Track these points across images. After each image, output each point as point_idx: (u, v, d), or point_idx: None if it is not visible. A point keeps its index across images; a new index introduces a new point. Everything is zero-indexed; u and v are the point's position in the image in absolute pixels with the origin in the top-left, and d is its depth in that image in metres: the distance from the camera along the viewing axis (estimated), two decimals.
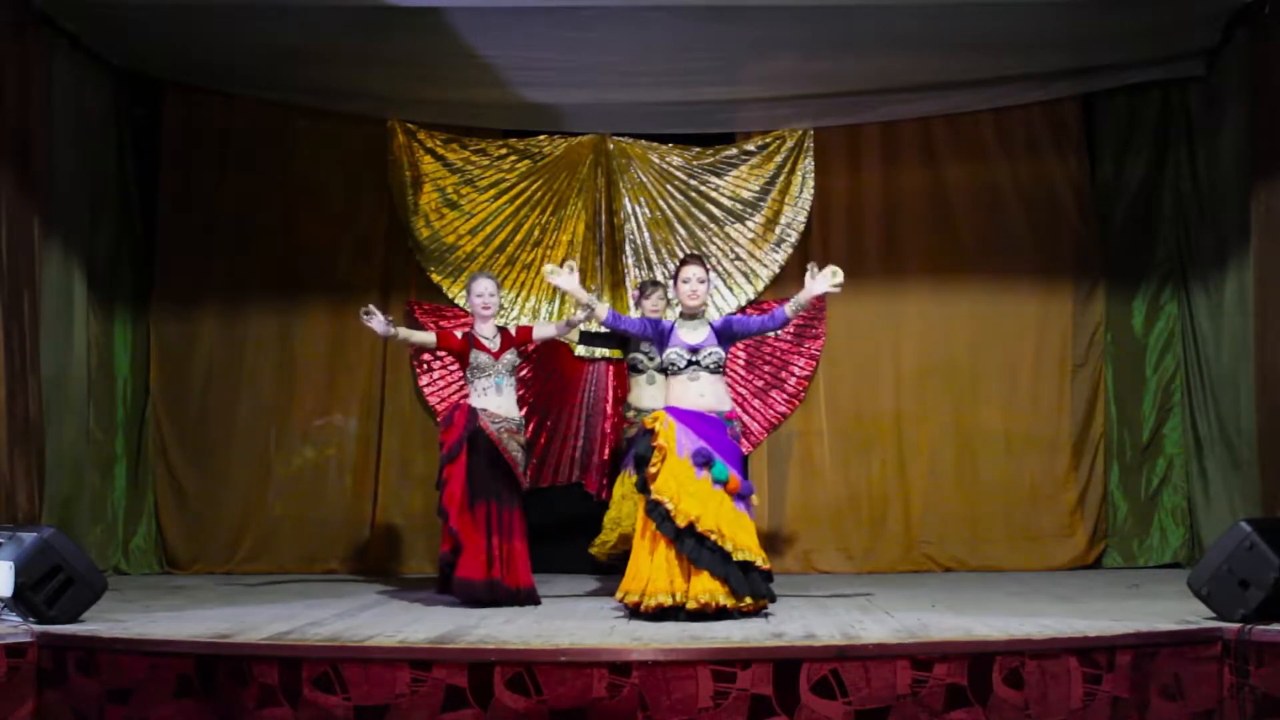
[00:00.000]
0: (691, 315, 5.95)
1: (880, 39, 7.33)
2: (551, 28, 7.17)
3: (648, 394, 7.27)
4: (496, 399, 6.47)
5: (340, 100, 8.36)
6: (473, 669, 4.61)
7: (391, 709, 4.62)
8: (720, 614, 5.49)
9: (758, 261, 8.44)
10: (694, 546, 5.54)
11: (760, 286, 8.40)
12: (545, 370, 8.35)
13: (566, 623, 5.54)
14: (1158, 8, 7.15)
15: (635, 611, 5.63)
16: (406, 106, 8.43)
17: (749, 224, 8.50)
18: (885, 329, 8.46)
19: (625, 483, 7.27)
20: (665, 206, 8.51)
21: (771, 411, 8.37)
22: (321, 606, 6.14)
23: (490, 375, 6.49)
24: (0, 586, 5.24)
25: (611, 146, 8.54)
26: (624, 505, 7.23)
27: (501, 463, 6.40)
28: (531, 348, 7.67)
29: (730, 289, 8.42)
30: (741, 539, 5.61)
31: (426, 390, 8.35)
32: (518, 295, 8.43)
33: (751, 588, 5.58)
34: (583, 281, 8.09)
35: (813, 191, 8.48)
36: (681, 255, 7.92)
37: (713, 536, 5.54)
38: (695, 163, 8.56)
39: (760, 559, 5.62)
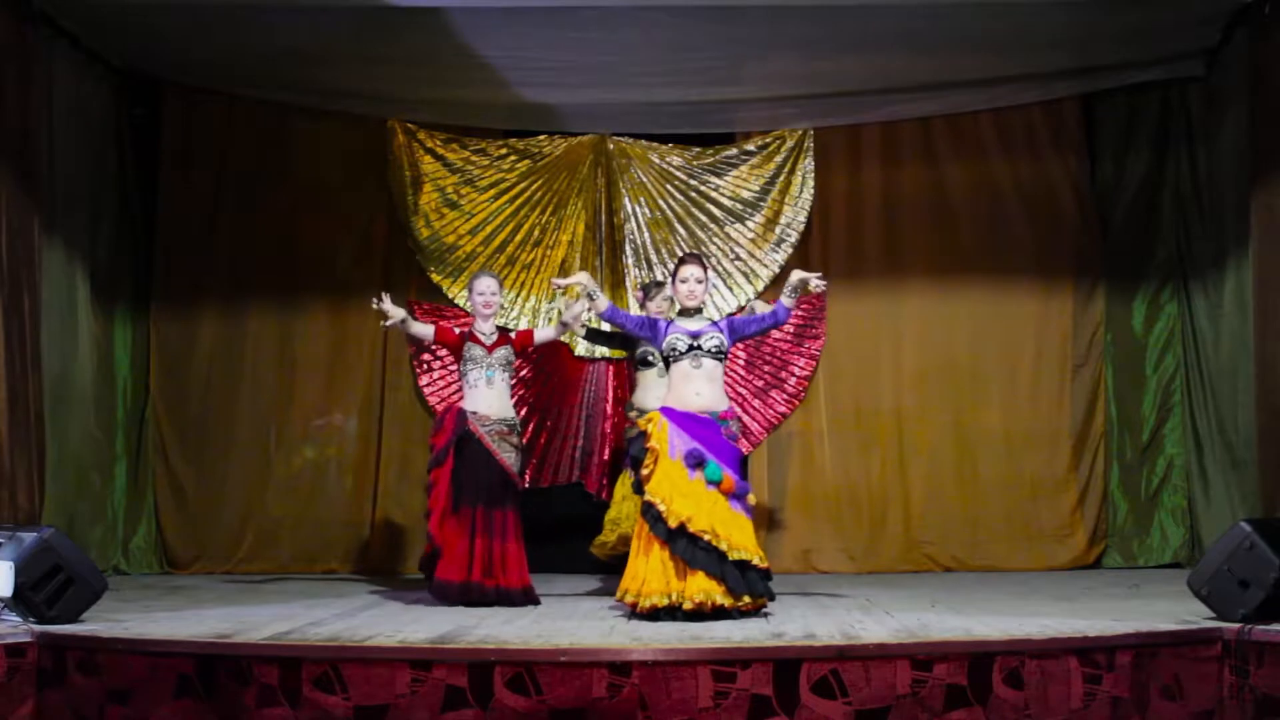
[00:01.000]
0: (689, 314, 5.95)
1: (880, 39, 7.33)
2: (551, 28, 7.17)
3: (654, 390, 7.24)
4: (488, 393, 6.45)
5: (340, 100, 8.36)
6: (473, 669, 4.61)
7: (391, 709, 4.61)
8: (718, 613, 5.49)
9: (758, 261, 8.44)
10: (687, 547, 5.53)
11: (760, 286, 8.40)
12: (545, 370, 8.35)
13: (566, 623, 5.54)
14: (1158, 8, 7.15)
15: (634, 611, 5.63)
16: (406, 106, 8.43)
17: (749, 224, 8.50)
18: (885, 329, 8.46)
19: (626, 482, 7.26)
20: (665, 206, 8.51)
21: (771, 411, 8.37)
22: (321, 606, 6.14)
23: (481, 367, 6.48)
24: (0, 586, 5.23)
25: (611, 146, 8.55)
26: (625, 505, 7.22)
27: (492, 465, 6.38)
28: (531, 349, 7.68)
29: (730, 289, 8.42)
30: (737, 538, 5.60)
31: (426, 390, 8.35)
32: (518, 295, 8.44)
33: (749, 587, 5.57)
34: None
35: (813, 191, 8.48)
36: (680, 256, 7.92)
37: (706, 536, 5.52)
38: (695, 163, 8.56)
39: (758, 558, 5.62)
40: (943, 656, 4.66)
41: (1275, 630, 4.88)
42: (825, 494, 8.36)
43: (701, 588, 5.49)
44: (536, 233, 8.50)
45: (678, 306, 6.10)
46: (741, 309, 8.21)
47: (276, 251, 8.46)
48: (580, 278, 6.18)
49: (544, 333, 6.90)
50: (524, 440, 6.89)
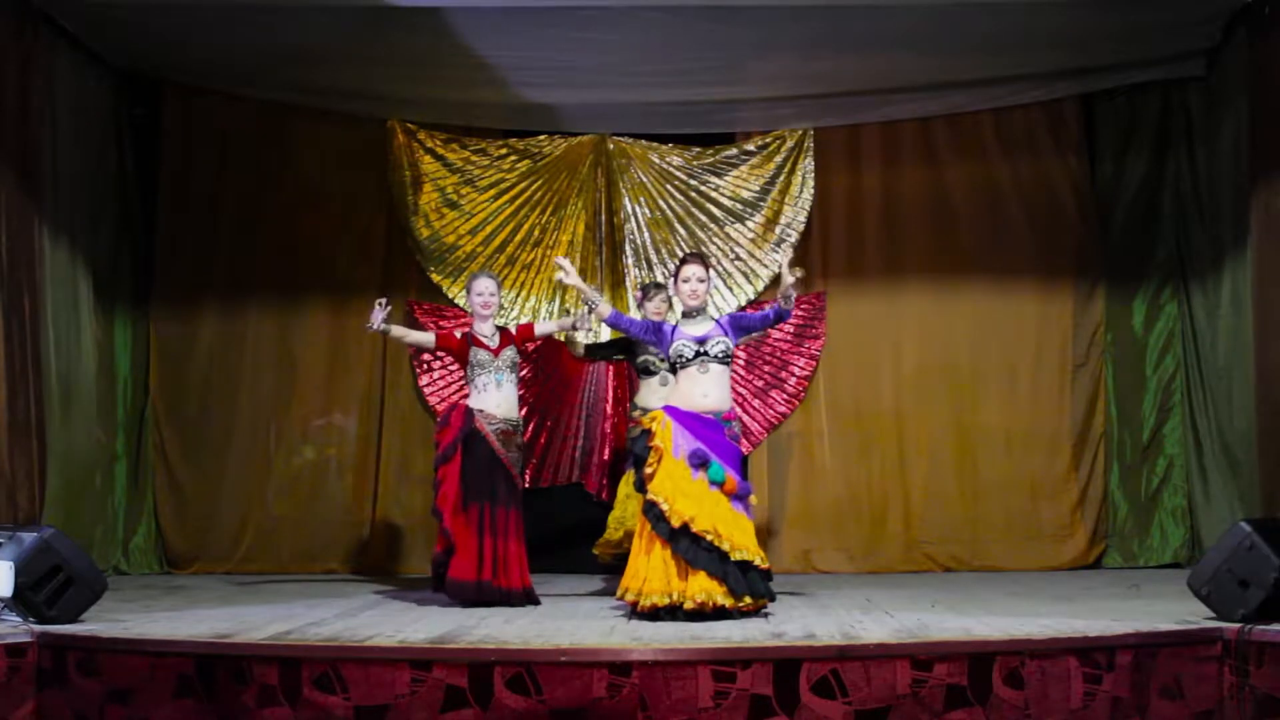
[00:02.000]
0: (692, 314, 5.95)
1: (880, 39, 7.34)
2: (551, 28, 7.17)
3: (658, 397, 7.25)
4: (496, 396, 6.46)
5: (340, 100, 8.36)
6: (473, 669, 4.61)
7: (391, 709, 4.61)
8: (719, 613, 5.48)
9: (758, 261, 8.44)
10: (689, 546, 5.54)
11: (760, 286, 8.40)
12: (545, 370, 8.35)
13: (566, 623, 5.54)
14: (1158, 8, 7.15)
15: (634, 610, 5.64)
16: (406, 106, 8.43)
17: (749, 224, 8.50)
18: (885, 329, 8.46)
19: (629, 482, 7.25)
20: (665, 206, 8.51)
21: (771, 411, 8.37)
22: (321, 606, 6.13)
23: (490, 371, 6.48)
24: (0, 586, 5.23)
25: (611, 146, 8.55)
26: (629, 504, 7.22)
27: (498, 464, 6.39)
28: (533, 346, 7.68)
29: (730, 289, 8.42)
30: (739, 539, 5.60)
31: (426, 390, 8.35)
32: (518, 295, 8.44)
33: (750, 587, 5.57)
34: (582, 281, 8.13)
35: (813, 191, 8.48)
36: (682, 255, 7.92)
37: (708, 537, 5.53)
38: (695, 163, 8.56)
39: (759, 558, 5.62)
40: (943, 656, 4.66)
41: (1275, 630, 4.87)
42: (825, 494, 8.36)
43: (703, 588, 5.49)
44: (536, 233, 8.50)
45: (678, 307, 6.09)
46: (743, 309, 8.20)
47: (276, 251, 8.46)
48: (573, 280, 6.14)
49: (545, 326, 6.88)
50: (524, 440, 6.88)
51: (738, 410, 6.64)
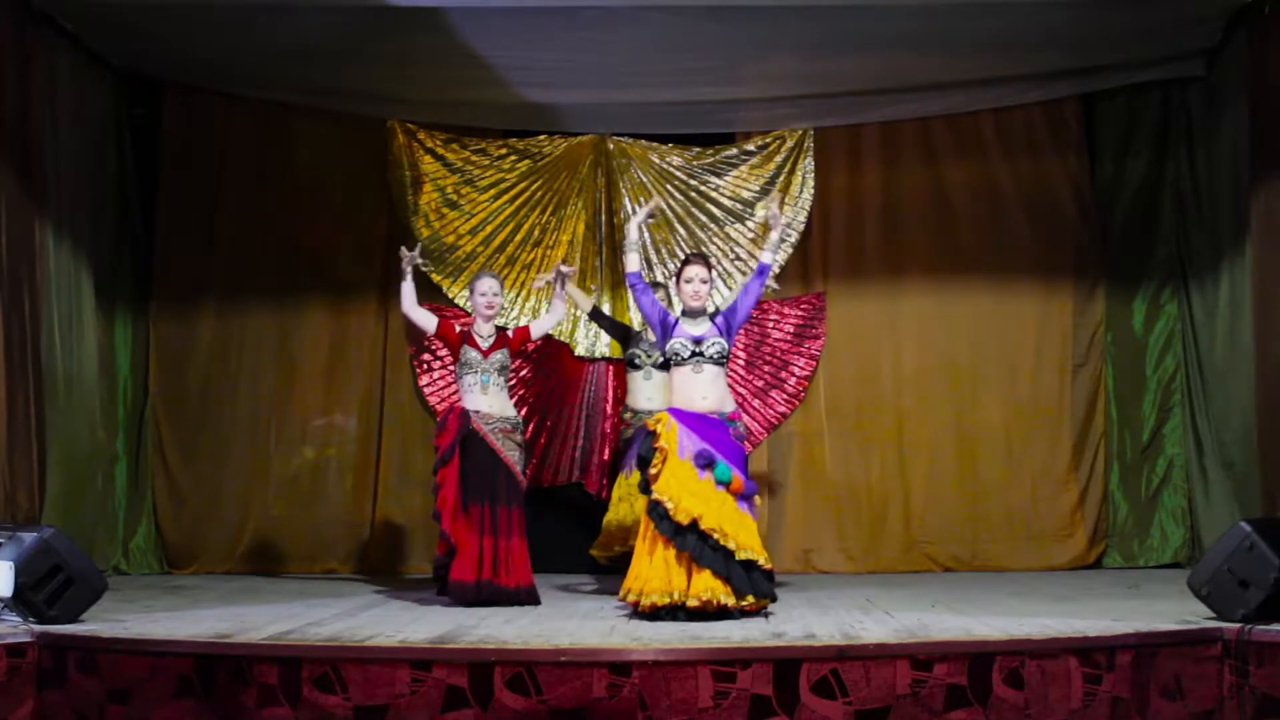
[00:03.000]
0: (694, 315, 5.96)
1: (880, 39, 7.33)
2: (551, 28, 7.17)
3: (644, 391, 7.28)
4: (484, 398, 6.45)
5: (340, 100, 8.36)
6: (473, 669, 4.61)
7: (391, 709, 4.62)
8: (721, 613, 5.49)
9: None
10: (696, 544, 5.55)
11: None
12: (545, 370, 8.36)
13: (566, 623, 5.54)
14: (1158, 8, 7.15)
15: (635, 611, 5.64)
16: (406, 106, 8.43)
17: (749, 224, 8.50)
18: (885, 329, 8.46)
19: (623, 485, 7.27)
20: (665, 206, 8.50)
21: (771, 411, 8.37)
22: (321, 606, 6.13)
23: (476, 372, 6.47)
24: (0, 586, 5.23)
25: (611, 146, 8.55)
26: (621, 507, 7.23)
27: (498, 463, 6.39)
28: (533, 346, 7.67)
29: (730, 289, 8.41)
30: (744, 538, 5.61)
31: (426, 390, 8.35)
32: (518, 295, 8.43)
33: (754, 587, 5.58)
34: (582, 281, 8.16)
35: (813, 191, 8.48)
36: (682, 255, 7.92)
37: (715, 535, 5.54)
38: (695, 163, 8.56)
39: (763, 559, 5.62)
40: (943, 656, 4.66)
41: (1275, 630, 4.88)
42: (825, 494, 8.36)
43: (707, 586, 5.50)
44: (536, 233, 8.50)
45: (678, 307, 6.10)
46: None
47: (276, 251, 8.45)
48: (569, 288, 6.28)
49: (540, 325, 6.80)
50: (524, 439, 6.87)
51: (740, 411, 6.64)
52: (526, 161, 8.57)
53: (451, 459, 6.34)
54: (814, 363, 8.40)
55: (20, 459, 6.72)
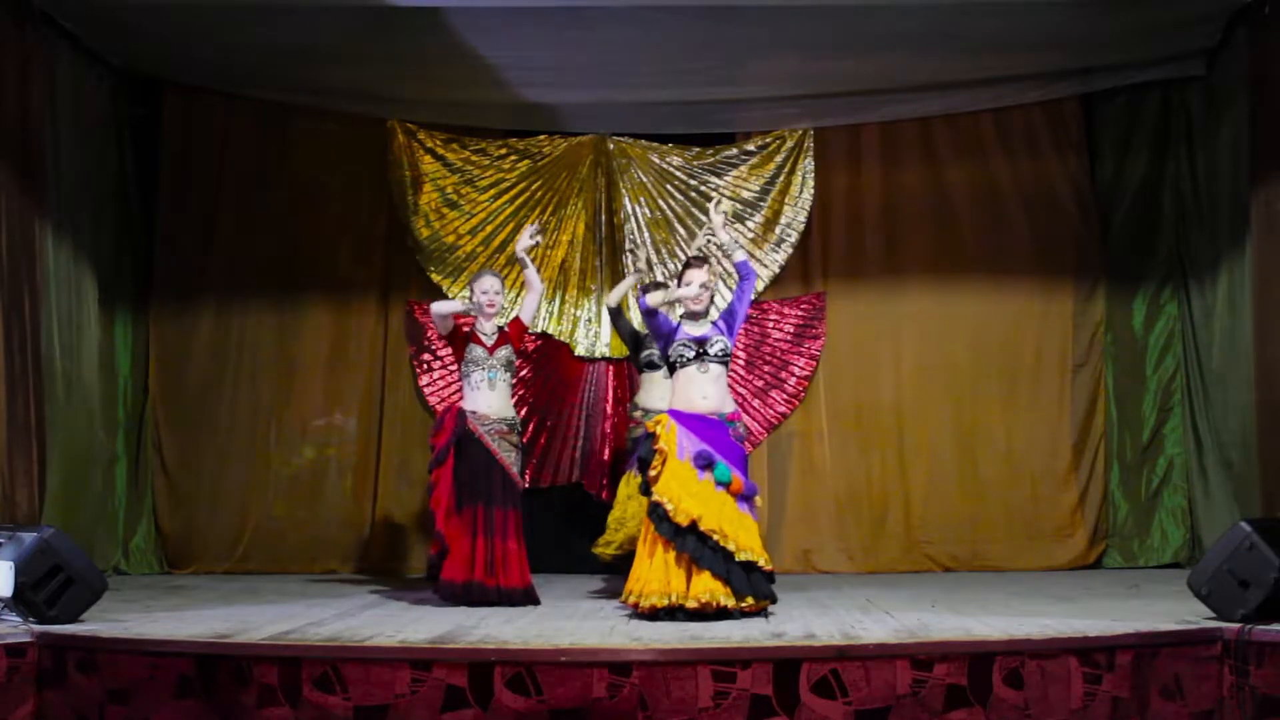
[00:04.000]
0: (695, 317, 5.96)
1: (880, 39, 7.33)
2: (551, 28, 7.17)
3: (658, 390, 7.23)
4: (489, 395, 6.46)
5: (340, 100, 8.36)
6: (473, 669, 4.61)
7: (391, 709, 4.62)
8: (721, 614, 5.49)
9: (758, 262, 8.42)
10: (696, 545, 5.55)
11: (760, 286, 8.39)
12: (545, 370, 8.36)
13: (566, 623, 5.54)
14: (1158, 8, 7.15)
15: (635, 612, 5.64)
16: (406, 106, 8.43)
17: (749, 224, 8.50)
18: (885, 329, 8.46)
19: (630, 482, 7.25)
20: (665, 206, 8.51)
21: (771, 411, 8.37)
22: (321, 606, 6.13)
23: (484, 369, 6.49)
24: (0, 586, 5.24)
25: (611, 146, 8.55)
26: (629, 505, 7.20)
27: (494, 464, 6.39)
28: (528, 337, 7.66)
29: (730, 289, 8.40)
30: (744, 539, 5.61)
31: (426, 390, 8.35)
32: (518, 295, 8.42)
33: (753, 588, 5.58)
34: (582, 281, 8.17)
35: (813, 191, 8.48)
36: (683, 256, 7.92)
37: (715, 536, 5.54)
38: (695, 163, 8.56)
39: (763, 559, 5.62)
40: (943, 656, 4.66)
41: (1275, 630, 4.88)
42: (825, 494, 8.36)
43: (707, 587, 5.50)
44: None
45: (680, 309, 6.10)
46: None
47: (276, 251, 8.45)
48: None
49: (527, 307, 6.72)
50: (524, 440, 6.87)
51: (740, 412, 6.64)
52: (526, 161, 8.57)
53: (446, 459, 6.34)
54: (814, 363, 8.40)
55: (20, 459, 6.72)
